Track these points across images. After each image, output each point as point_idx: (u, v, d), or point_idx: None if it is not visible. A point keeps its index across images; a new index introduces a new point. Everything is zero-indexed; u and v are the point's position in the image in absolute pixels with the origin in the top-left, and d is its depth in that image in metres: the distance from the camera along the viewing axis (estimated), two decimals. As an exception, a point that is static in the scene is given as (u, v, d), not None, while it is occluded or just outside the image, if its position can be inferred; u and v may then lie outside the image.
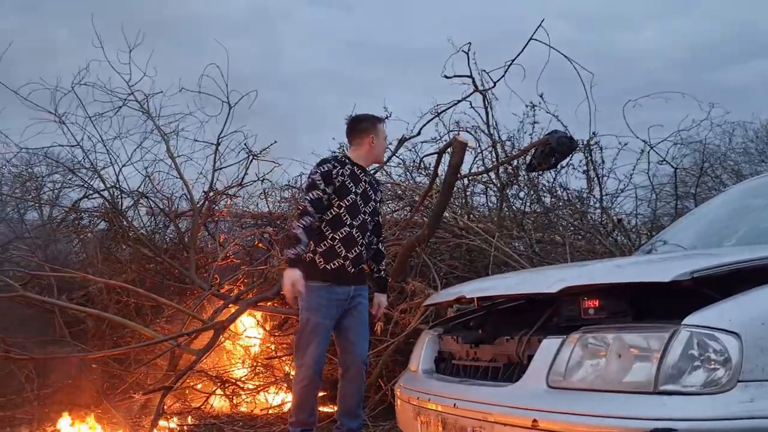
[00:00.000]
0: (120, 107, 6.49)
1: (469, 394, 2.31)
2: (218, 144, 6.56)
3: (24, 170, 6.73)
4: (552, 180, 6.71)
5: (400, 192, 6.84)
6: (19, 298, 5.14)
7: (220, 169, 6.54)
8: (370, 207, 3.80)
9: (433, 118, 6.95)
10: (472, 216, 6.71)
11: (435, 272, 5.41)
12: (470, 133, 6.83)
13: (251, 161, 6.41)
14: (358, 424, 3.79)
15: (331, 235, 3.68)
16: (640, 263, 2.29)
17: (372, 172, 4.38)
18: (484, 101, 6.56)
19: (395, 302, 5.34)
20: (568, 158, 6.36)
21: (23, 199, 6.65)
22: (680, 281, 1.92)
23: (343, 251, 3.67)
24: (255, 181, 6.55)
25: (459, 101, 6.71)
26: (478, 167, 6.86)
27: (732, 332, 1.81)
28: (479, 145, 6.83)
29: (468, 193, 6.89)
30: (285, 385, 5.33)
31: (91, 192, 6.34)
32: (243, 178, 6.43)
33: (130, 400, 4.84)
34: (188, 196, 6.28)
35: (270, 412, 5.19)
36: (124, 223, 6.08)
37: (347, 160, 3.80)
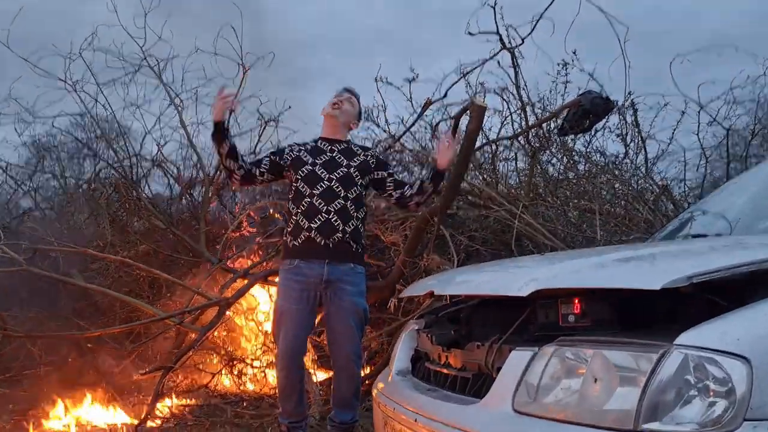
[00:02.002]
0: (135, 71, 6.28)
1: (432, 409, 1.97)
2: (232, 110, 6.30)
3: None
4: (587, 144, 6.22)
5: (424, 160, 6.45)
6: (23, 272, 5.03)
7: (234, 136, 6.28)
8: (338, 173, 3.46)
9: (459, 79, 6.55)
10: (501, 184, 6.28)
11: (453, 246, 5.04)
12: (499, 95, 6.39)
13: (264, 128, 6.12)
14: (352, 416, 3.49)
15: (295, 210, 3.46)
16: (630, 261, 1.86)
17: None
18: (512, 60, 6.08)
19: (410, 278, 5.03)
20: (604, 120, 5.86)
21: (40, 171, 6.50)
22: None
23: (306, 222, 3.38)
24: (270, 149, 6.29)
25: (486, 60, 6.28)
26: (506, 132, 6.43)
27: (738, 355, 1.40)
28: (508, 107, 6.38)
29: (497, 160, 6.44)
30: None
31: (103, 162, 6.17)
32: (256, 145, 6.15)
33: (137, 378, 4.67)
34: (200, 166, 6.05)
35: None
36: (134, 193, 5.88)
37: (314, 140, 3.65)
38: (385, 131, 7.33)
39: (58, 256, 5.35)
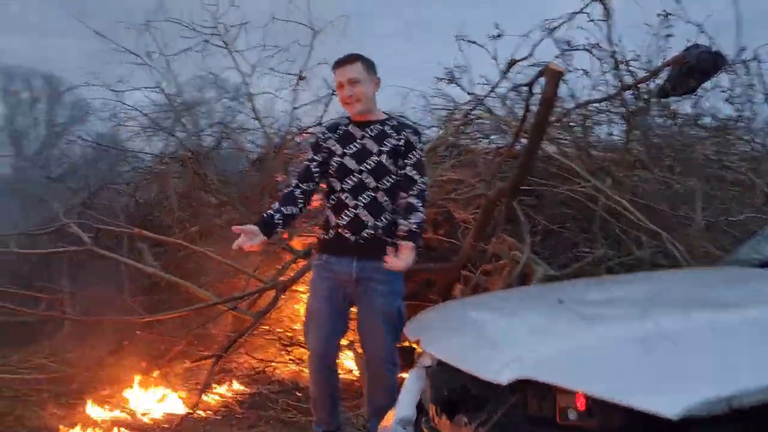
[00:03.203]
0: (206, 41, 6.10)
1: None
2: (300, 78, 5.99)
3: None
4: (693, 105, 5.40)
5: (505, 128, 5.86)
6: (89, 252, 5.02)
7: (299, 107, 5.99)
8: (369, 163, 3.10)
9: (544, 38, 5.88)
10: (588, 154, 5.60)
11: (524, 228, 4.51)
12: (589, 51, 5.66)
13: (332, 98, 5.76)
14: (391, 428, 3.15)
15: (326, 205, 3.21)
16: (652, 347, 1.27)
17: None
18: (604, 11, 5.34)
19: (476, 262, 4.57)
20: (713, 79, 5.05)
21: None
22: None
23: (334, 219, 3.14)
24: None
25: (574, 13, 5.57)
26: (596, 95, 5.71)
27: None
28: (601, 66, 5.65)
29: (586, 126, 5.73)
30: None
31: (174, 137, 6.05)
32: (322, 116, 5.82)
33: (189, 365, 4.55)
34: (266, 138, 5.82)
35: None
36: (200, 170, 5.73)
37: (343, 122, 3.25)
38: (469, 93, 6.85)
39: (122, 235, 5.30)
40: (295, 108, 5.98)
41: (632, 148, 5.49)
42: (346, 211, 3.09)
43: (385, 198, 3.11)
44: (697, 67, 4.80)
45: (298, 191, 3.15)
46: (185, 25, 6.03)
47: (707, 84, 5.05)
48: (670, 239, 4.25)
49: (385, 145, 3.12)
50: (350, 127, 3.20)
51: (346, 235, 3.08)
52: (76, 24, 6.00)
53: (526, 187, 4.82)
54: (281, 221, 3.07)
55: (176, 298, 5.11)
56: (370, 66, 3.17)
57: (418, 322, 2.50)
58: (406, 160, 3.12)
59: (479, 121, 5.92)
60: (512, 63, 6.34)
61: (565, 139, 5.72)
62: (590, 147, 5.54)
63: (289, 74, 5.98)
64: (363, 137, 3.16)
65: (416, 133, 3.23)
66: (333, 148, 3.16)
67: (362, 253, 3.06)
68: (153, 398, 4.21)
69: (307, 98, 6.05)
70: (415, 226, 2.97)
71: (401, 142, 3.13)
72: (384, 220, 3.09)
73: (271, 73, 6.11)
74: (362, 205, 3.07)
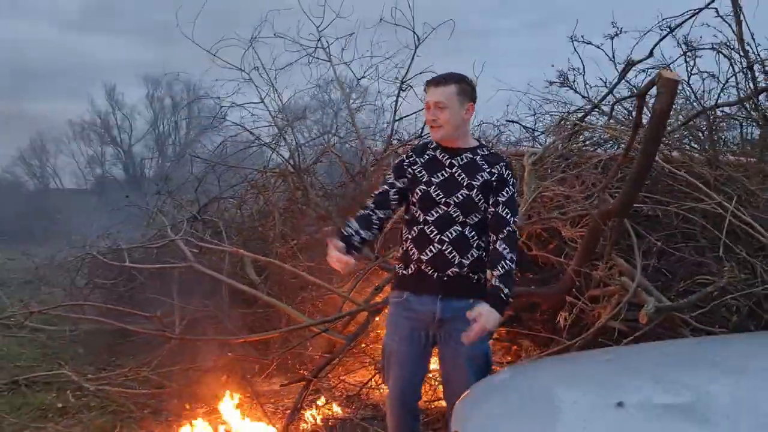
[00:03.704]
0: (311, 56, 6.12)
1: None
2: (401, 89, 5.85)
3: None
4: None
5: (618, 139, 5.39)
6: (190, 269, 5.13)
7: (401, 118, 5.85)
8: (458, 197, 2.85)
9: (665, 35, 5.38)
10: (718, 164, 5.05)
11: (636, 250, 4.10)
12: (718, 51, 5.11)
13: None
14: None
15: (406, 236, 2.96)
16: None
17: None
18: (734, 6, 4.79)
19: (583, 286, 4.22)
20: None
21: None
22: None
23: (416, 253, 2.88)
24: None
25: (699, 10, 5.05)
26: (727, 96, 5.15)
27: None
28: (731, 67, 5.07)
29: (714, 133, 5.18)
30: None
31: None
32: (423, 128, 5.64)
33: (280, 387, 4.52)
34: (363, 151, 5.73)
35: (434, 404, 4.51)
36: (301, 183, 5.73)
37: (431, 145, 3.00)
38: (583, 97, 6.42)
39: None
40: (396, 120, 5.85)
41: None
42: (430, 246, 2.85)
43: (473, 233, 2.86)
44: None
45: (374, 217, 2.93)
46: (290, 40, 6.07)
47: None
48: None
49: (476, 178, 2.87)
50: (438, 153, 2.94)
51: (429, 272, 2.85)
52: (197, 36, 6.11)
53: (639, 205, 4.41)
54: (360, 245, 2.90)
55: (275, 316, 5.13)
56: (464, 91, 2.88)
57: (462, 406, 2.23)
58: (498, 197, 2.86)
59: (589, 130, 5.52)
60: (630, 64, 5.94)
61: (689, 148, 5.20)
62: (718, 156, 4.99)
63: (396, 80, 5.86)
64: (452, 166, 2.90)
65: (509, 166, 2.95)
66: (418, 174, 2.92)
67: (446, 292, 2.83)
68: (245, 419, 4.20)
69: (409, 108, 5.90)
70: (498, 280, 2.73)
71: (494, 177, 2.87)
72: (470, 257, 2.85)
73: (377, 82, 6.04)
74: (448, 240, 2.84)
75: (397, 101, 5.78)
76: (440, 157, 2.93)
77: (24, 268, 9.33)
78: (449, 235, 2.84)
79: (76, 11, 47.02)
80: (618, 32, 5.95)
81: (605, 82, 6.06)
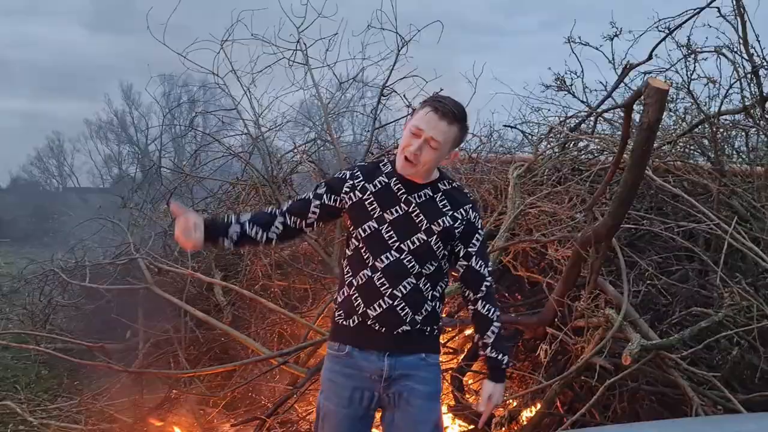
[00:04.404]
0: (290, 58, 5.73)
1: None
2: (382, 94, 5.45)
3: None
4: None
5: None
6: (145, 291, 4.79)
7: (380, 126, 5.47)
8: (414, 241, 2.37)
9: (665, 37, 4.96)
10: (723, 175, 4.61)
11: (625, 276, 3.69)
12: (719, 53, 4.66)
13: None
14: None
15: (349, 279, 2.43)
16: None
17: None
18: (737, 6, 4.36)
19: (568, 319, 3.82)
20: None
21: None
22: None
23: (362, 306, 2.39)
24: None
25: (699, 10, 4.62)
26: (730, 103, 4.71)
27: None
28: (736, 71, 4.63)
29: (717, 143, 4.72)
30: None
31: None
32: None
33: (230, 429, 4.14)
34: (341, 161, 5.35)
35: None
36: (274, 196, 5.35)
37: (385, 169, 2.46)
38: (582, 101, 6.02)
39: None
40: (376, 128, 5.47)
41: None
42: (379, 301, 2.37)
43: (428, 285, 2.41)
44: None
45: (279, 220, 2.45)
46: (266, 42, 5.68)
47: None
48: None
49: (437, 223, 2.39)
50: (393, 182, 2.43)
51: (376, 328, 2.39)
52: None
53: (631, 226, 4.00)
54: (235, 239, 2.41)
55: (235, 346, 4.76)
56: (460, 138, 2.42)
57: None
58: (469, 248, 2.45)
59: (582, 140, 5.11)
60: (629, 68, 5.53)
61: (691, 159, 4.78)
62: (723, 167, 4.55)
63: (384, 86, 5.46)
64: (409, 202, 2.40)
65: (475, 207, 2.48)
66: (368, 205, 2.40)
67: (395, 347, 2.40)
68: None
69: (391, 116, 5.53)
70: (493, 349, 2.46)
71: (457, 223, 2.42)
72: (424, 311, 2.42)
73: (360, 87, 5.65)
74: (401, 296, 2.37)
75: (377, 108, 5.39)
76: (395, 189, 2.42)
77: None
78: (402, 289, 2.37)
79: (92, 11, 47.04)
80: (618, 33, 5.59)
81: (605, 86, 5.71)
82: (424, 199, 2.41)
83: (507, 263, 4.44)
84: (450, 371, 4.28)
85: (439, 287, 2.46)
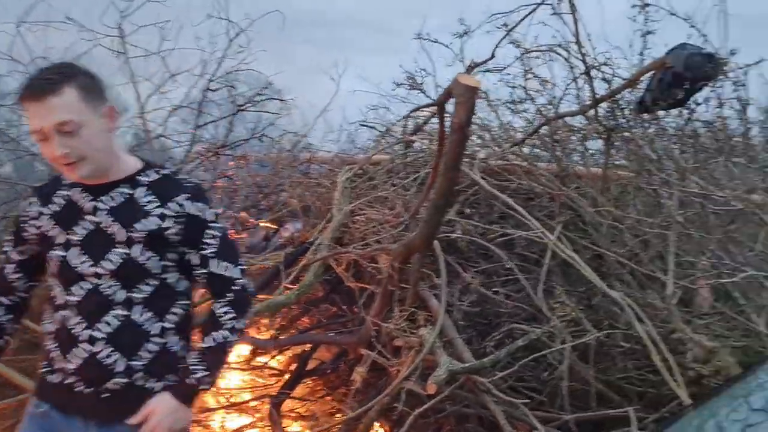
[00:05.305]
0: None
1: None
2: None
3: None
4: (686, 120, 4.18)
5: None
6: None
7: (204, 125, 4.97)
8: (110, 261, 1.83)
9: (505, 35, 4.72)
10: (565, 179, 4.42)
11: (444, 289, 3.36)
12: (553, 51, 4.48)
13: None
14: None
15: (47, 325, 1.92)
16: None
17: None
18: (570, 3, 4.18)
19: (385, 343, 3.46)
20: (709, 86, 3.87)
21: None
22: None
23: (58, 356, 1.86)
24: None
25: (535, 7, 4.41)
26: (570, 105, 4.54)
27: None
28: (571, 71, 4.47)
29: (557, 146, 4.53)
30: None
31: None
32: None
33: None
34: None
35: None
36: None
37: (66, 180, 1.91)
38: (433, 100, 5.75)
39: None
40: (199, 126, 4.96)
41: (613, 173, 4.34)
42: (75, 347, 1.83)
43: (148, 314, 1.86)
44: (684, 74, 3.71)
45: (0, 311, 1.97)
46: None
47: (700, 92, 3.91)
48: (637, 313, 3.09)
49: (140, 224, 1.85)
50: (77, 192, 1.89)
51: (78, 387, 1.85)
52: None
53: (448, 235, 3.70)
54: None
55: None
56: (89, 89, 1.79)
57: None
58: (203, 250, 1.90)
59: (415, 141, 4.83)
60: (472, 67, 5.31)
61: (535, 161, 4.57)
62: (565, 171, 4.37)
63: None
64: (96, 209, 1.86)
65: (199, 195, 1.91)
66: (47, 229, 1.88)
67: (106, 416, 1.86)
68: None
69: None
70: (198, 357, 1.89)
71: (168, 222, 1.86)
72: (147, 353, 1.86)
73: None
74: (103, 337, 1.83)
75: (198, 113, 4.86)
76: (77, 200, 1.88)
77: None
78: (104, 326, 1.82)
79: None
80: (467, 30, 5.36)
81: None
82: (119, 201, 1.86)
83: (340, 273, 4.07)
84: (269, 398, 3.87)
85: (171, 315, 1.90)
